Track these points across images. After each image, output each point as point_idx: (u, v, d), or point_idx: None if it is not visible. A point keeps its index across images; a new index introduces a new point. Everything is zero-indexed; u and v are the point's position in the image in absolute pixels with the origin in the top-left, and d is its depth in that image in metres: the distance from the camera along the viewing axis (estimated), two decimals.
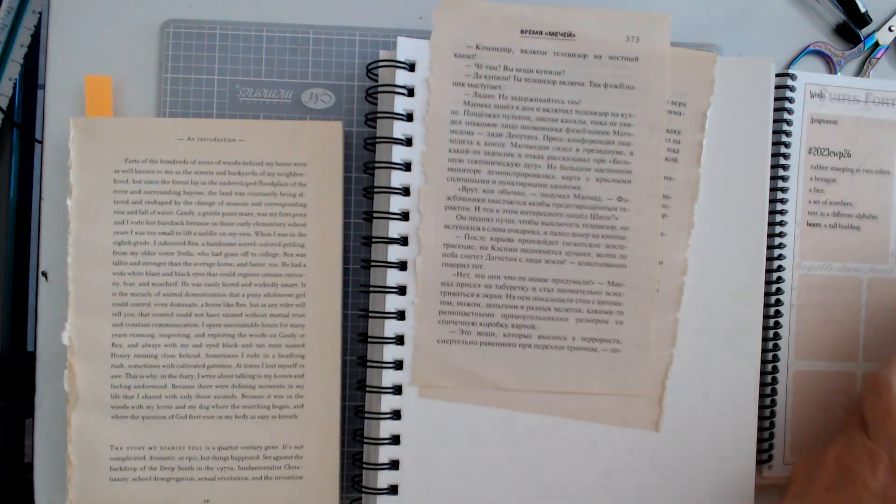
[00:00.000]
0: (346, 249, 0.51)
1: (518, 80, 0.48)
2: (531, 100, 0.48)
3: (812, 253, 0.52)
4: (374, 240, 0.49)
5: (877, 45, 0.56)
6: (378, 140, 0.49)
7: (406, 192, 0.48)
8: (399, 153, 0.48)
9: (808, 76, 0.52)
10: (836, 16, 0.55)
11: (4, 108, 0.65)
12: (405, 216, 0.48)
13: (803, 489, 0.42)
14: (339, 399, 0.49)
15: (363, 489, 0.49)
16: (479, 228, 0.48)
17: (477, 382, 0.48)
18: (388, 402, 0.48)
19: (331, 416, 0.49)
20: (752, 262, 0.50)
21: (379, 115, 0.49)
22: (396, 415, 0.48)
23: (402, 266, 0.48)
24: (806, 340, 0.52)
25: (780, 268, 0.51)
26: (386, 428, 0.48)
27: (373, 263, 0.48)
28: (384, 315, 0.48)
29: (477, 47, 0.48)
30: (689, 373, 0.49)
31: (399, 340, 0.48)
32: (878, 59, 0.55)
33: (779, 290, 0.51)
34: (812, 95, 0.52)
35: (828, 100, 0.52)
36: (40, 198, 0.51)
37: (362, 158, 0.51)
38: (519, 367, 0.48)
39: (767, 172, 0.50)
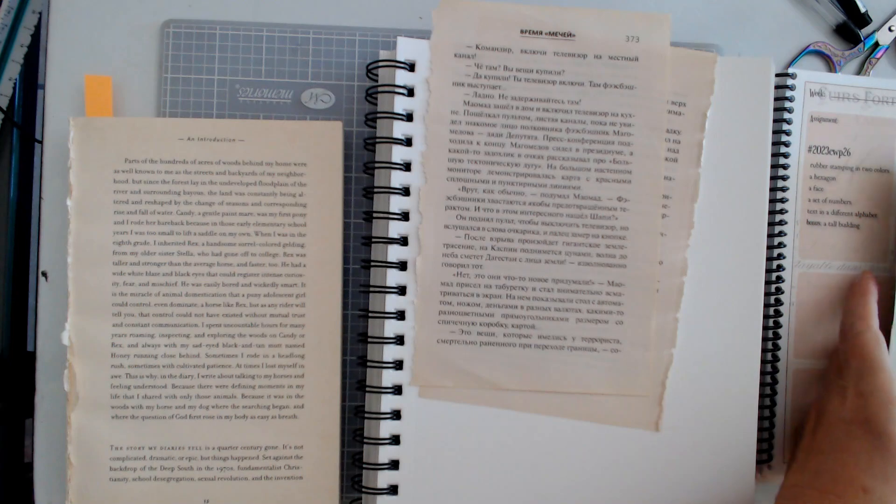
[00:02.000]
0: (346, 249, 0.51)
1: (518, 80, 0.48)
2: (531, 100, 0.48)
3: (811, 251, 0.52)
4: (374, 240, 0.49)
5: (877, 45, 0.56)
6: (378, 140, 0.49)
7: (406, 192, 0.48)
8: (399, 153, 0.48)
9: (808, 74, 0.52)
10: (836, 16, 0.55)
11: (4, 108, 0.65)
12: (405, 216, 0.48)
13: (798, 442, 0.48)
14: (339, 399, 0.50)
15: (363, 489, 0.49)
16: (479, 228, 0.48)
17: (477, 382, 0.48)
18: (388, 402, 0.48)
19: (331, 416, 0.49)
20: (752, 262, 0.50)
21: (379, 115, 0.49)
22: (396, 415, 0.48)
23: (402, 266, 0.48)
24: (805, 339, 0.52)
25: (779, 267, 0.51)
26: (386, 428, 0.48)
27: (373, 263, 0.48)
28: (384, 315, 0.48)
29: (477, 47, 0.48)
30: (689, 373, 0.49)
31: (399, 340, 0.48)
32: (878, 59, 0.55)
33: (778, 290, 0.51)
34: (812, 94, 0.52)
35: (827, 98, 0.52)
36: (40, 198, 0.51)
37: (362, 158, 0.51)
38: (519, 367, 0.48)
39: (767, 172, 0.50)
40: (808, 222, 0.52)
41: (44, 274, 0.51)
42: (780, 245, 0.51)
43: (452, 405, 0.48)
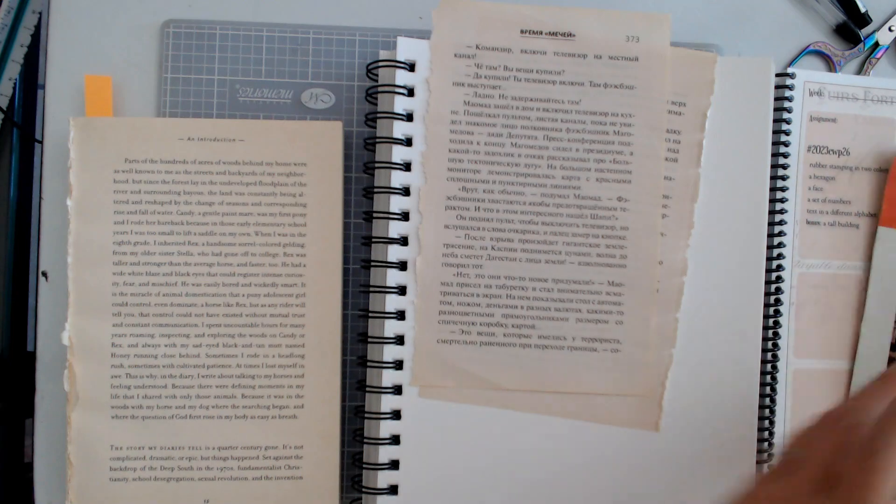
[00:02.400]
0: (346, 249, 0.51)
1: (518, 80, 0.48)
2: (531, 100, 0.48)
3: (811, 251, 0.52)
4: (374, 240, 0.49)
5: (877, 45, 0.56)
6: (378, 140, 0.49)
7: (406, 192, 0.48)
8: (399, 153, 0.48)
9: (808, 74, 0.52)
10: (836, 16, 0.55)
11: (4, 108, 0.65)
12: (405, 216, 0.48)
13: None
14: (339, 399, 0.49)
15: (363, 489, 0.49)
16: (479, 228, 0.48)
17: (477, 382, 0.48)
18: (388, 402, 0.48)
19: (331, 416, 0.49)
20: (752, 262, 0.50)
21: (379, 115, 0.49)
22: (396, 415, 0.48)
23: (402, 266, 0.48)
24: (805, 339, 0.52)
25: (779, 266, 0.51)
26: (386, 428, 0.48)
27: (373, 263, 0.48)
28: (384, 315, 0.48)
29: (477, 47, 0.48)
30: (689, 373, 0.49)
31: (399, 340, 0.48)
32: (878, 59, 0.55)
33: (778, 290, 0.51)
34: (811, 93, 0.52)
35: (826, 98, 0.52)
36: (40, 198, 0.51)
37: (362, 158, 0.51)
38: (519, 367, 0.48)
39: (767, 172, 0.50)
40: (808, 222, 0.52)
41: (44, 274, 0.51)
42: (780, 245, 0.51)
43: (452, 405, 0.48)
